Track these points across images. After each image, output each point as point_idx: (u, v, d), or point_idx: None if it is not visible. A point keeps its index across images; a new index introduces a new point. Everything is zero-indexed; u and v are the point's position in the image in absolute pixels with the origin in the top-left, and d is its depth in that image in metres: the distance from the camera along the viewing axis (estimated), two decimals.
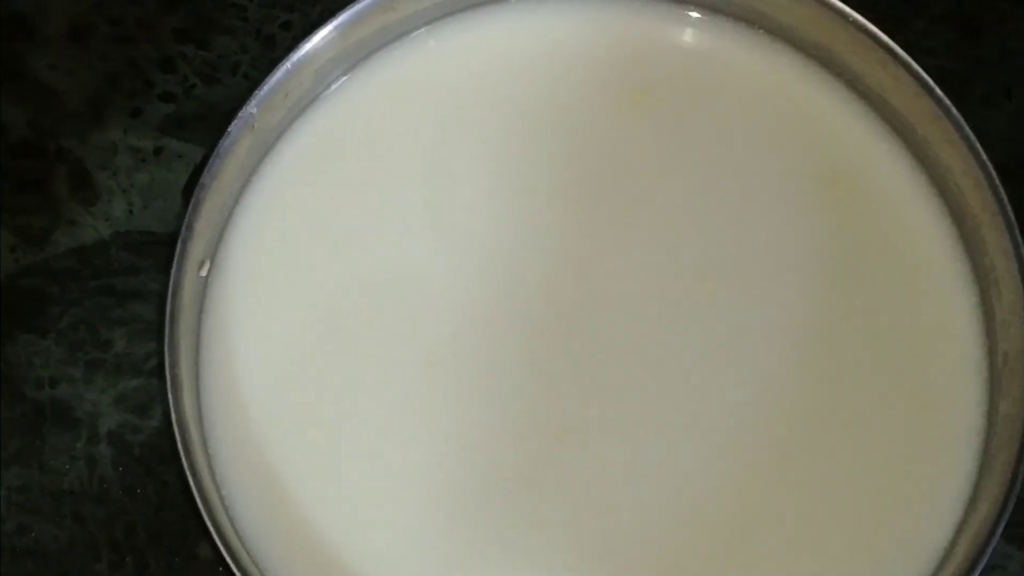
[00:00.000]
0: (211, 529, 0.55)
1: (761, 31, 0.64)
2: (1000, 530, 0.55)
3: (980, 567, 0.55)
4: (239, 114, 0.58)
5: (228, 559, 0.54)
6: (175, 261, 0.57)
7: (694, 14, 0.64)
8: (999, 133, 0.66)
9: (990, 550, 0.55)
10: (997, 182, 0.58)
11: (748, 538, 0.61)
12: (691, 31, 0.65)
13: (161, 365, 0.59)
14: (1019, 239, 0.57)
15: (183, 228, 0.57)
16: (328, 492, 0.60)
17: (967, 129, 0.58)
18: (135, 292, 0.66)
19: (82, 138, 0.67)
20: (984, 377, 0.61)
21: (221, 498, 0.58)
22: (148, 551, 0.64)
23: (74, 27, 0.68)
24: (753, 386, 0.62)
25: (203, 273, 0.60)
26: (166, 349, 0.57)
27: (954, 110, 0.58)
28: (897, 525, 0.60)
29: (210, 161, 0.58)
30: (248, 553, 0.57)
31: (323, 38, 0.59)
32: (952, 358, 0.61)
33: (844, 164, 0.63)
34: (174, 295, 0.57)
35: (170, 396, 0.56)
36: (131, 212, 0.67)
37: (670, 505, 0.61)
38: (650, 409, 0.62)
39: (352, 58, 0.63)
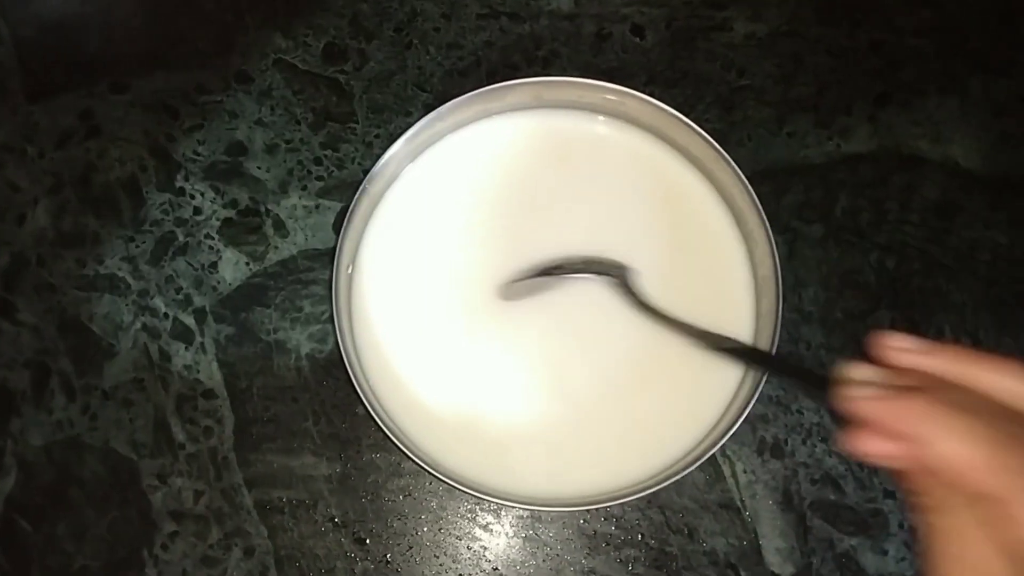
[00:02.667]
0: (362, 397, 0.56)
1: (625, 122, 0.63)
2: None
3: (761, 383, 0.56)
4: (360, 187, 0.58)
5: (371, 412, 0.55)
6: (334, 265, 0.57)
7: (600, 117, 0.63)
8: (746, 159, 0.66)
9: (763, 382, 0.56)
10: (748, 185, 0.58)
11: (636, 378, 0.60)
12: (585, 124, 0.63)
13: (331, 318, 0.59)
14: (764, 216, 0.57)
15: (336, 249, 0.57)
16: (409, 374, 0.60)
17: (728, 157, 0.58)
18: (312, 281, 0.66)
19: (277, 203, 0.67)
20: (752, 290, 0.61)
21: (366, 382, 0.59)
22: (332, 413, 0.64)
23: (267, 145, 0.67)
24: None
25: (349, 271, 0.60)
26: (333, 310, 0.57)
27: (723, 151, 0.58)
28: (714, 372, 0.60)
29: (348, 213, 0.58)
30: (381, 409, 0.58)
31: (398, 147, 0.58)
32: (735, 281, 0.61)
33: (672, 187, 0.62)
34: (336, 285, 0.57)
35: (337, 333, 0.57)
36: (306, 239, 0.66)
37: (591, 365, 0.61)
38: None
39: (412, 154, 0.62)
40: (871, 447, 0.37)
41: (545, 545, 0.63)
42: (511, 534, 0.64)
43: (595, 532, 0.63)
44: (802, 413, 0.64)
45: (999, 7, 0.70)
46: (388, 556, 0.63)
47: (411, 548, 0.63)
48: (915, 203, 0.67)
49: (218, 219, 0.67)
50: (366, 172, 0.59)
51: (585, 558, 0.63)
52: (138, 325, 0.66)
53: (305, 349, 0.65)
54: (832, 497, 0.64)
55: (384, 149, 0.59)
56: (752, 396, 0.56)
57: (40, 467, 0.64)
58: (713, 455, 0.62)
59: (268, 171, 0.68)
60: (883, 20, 0.70)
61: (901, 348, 0.40)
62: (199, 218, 0.67)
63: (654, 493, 0.61)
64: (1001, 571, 0.35)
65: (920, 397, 0.37)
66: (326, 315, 0.65)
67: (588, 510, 0.63)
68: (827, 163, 0.68)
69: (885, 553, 0.63)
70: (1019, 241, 0.67)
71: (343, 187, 0.67)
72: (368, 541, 0.63)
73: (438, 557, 0.63)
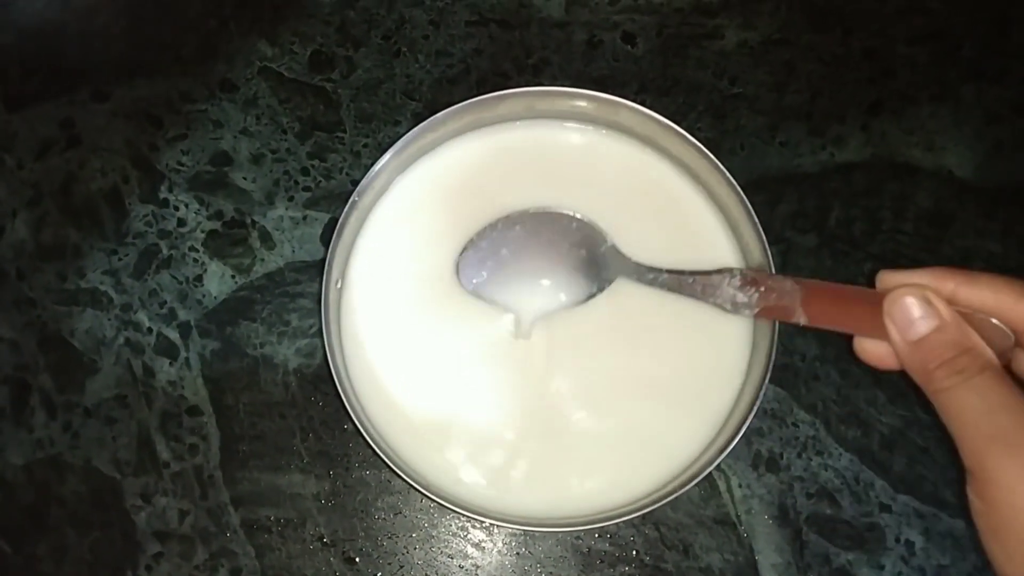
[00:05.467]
0: (351, 414, 0.53)
1: (618, 131, 0.60)
2: (767, 376, 0.53)
3: (759, 398, 0.53)
4: (350, 200, 0.55)
5: (360, 428, 0.53)
6: (323, 281, 0.55)
7: (593, 127, 0.60)
8: (739, 169, 0.63)
9: (764, 386, 0.53)
10: (743, 195, 0.55)
11: (632, 393, 0.57)
12: (576, 135, 0.61)
13: (319, 332, 0.58)
14: (759, 227, 0.55)
15: (325, 262, 0.55)
16: (399, 390, 0.57)
17: (722, 167, 0.56)
18: (300, 294, 0.63)
19: (263, 214, 0.64)
20: None
21: (356, 398, 0.56)
22: (320, 429, 0.62)
23: (253, 155, 0.65)
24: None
25: (338, 286, 0.57)
26: (322, 324, 0.54)
27: (717, 161, 0.56)
28: (716, 375, 0.57)
29: (338, 225, 0.55)
30: (370, 426, 0.55)
31: (387, 158, 0.55)
32: None
33: (666, 198, 0.59)
34: (325, 298, 0.55)
35: (326, 347, 0.54)
36: (293, 251, 0.64)
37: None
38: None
39: (402, 165, 0.59)
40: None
41: (538, 563, 0.61)
42: (503, 552, 0.61)
43: (589, 549, 0.61)
44: (797, 426, 0.62)
45: (992, 15, 0.68)
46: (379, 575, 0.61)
47: (402, 567, 0.61)
48: (909, 212, 0.65)
49: (203, 231, 0.65)
50: (354, 183, 0.57)
51: (579, 575, 0.61)
52: (121, 340, 0.63)
53: (293, 364, 0.63)
54: (828, 511, 0.62)
55: (373, 159, 0.56)
56: (750, 411, 0.53)
57: (20, 487, 0.61)
58: None
59: (254, 181, 0.65)
60: (876, 28, 0.68)
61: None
62: (183, 230, 0.64)
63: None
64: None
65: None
66: (314, 329, 0.63)
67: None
68: (821, 172, 0.66)
69: (881, 568, 0.61)
70: (1012, 250, 0.65)
71: (331, 198, 0.65)
72: (358, 560, 0.61)
73: None
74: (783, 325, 0.56)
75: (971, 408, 0.38)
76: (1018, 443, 0.36)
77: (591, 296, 0.57)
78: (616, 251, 0.57)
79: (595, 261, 0.58)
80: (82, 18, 0.67)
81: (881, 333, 0.43)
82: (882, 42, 0.68)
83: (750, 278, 0.52)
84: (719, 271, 0.54)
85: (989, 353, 0.39)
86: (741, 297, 0.52)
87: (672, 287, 0.55)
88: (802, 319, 0.49)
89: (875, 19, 0.68)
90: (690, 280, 0.55)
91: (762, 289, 0.51)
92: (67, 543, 0.61)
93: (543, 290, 0.58)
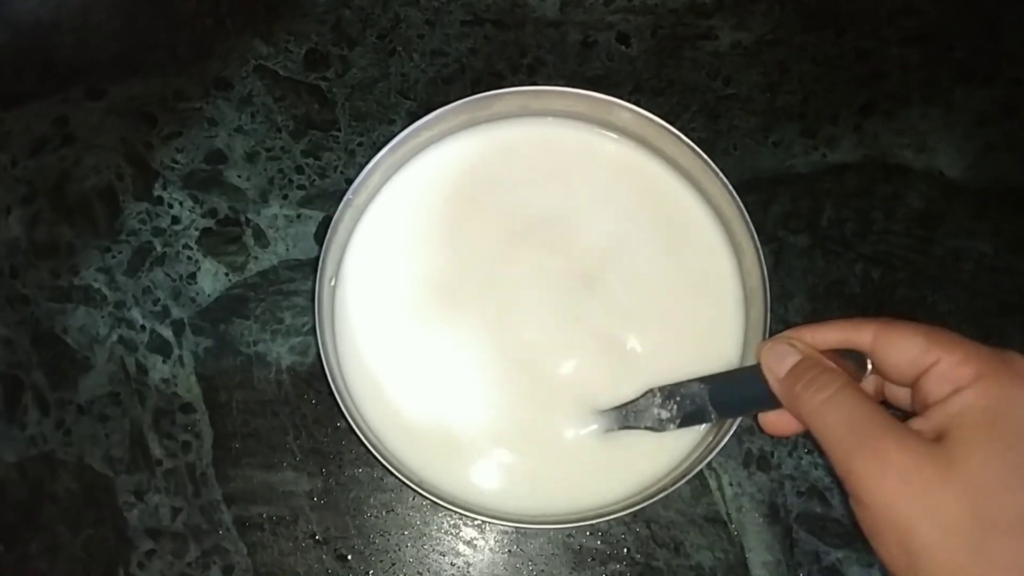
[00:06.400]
0: (344, 411, 0.53)
1: (611, 131, 0.60)
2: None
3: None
4: (344, 198, 0.54)
5: (353, 426, 0.53)
6: (317, 278, 0.54)
7: (587, 126, 0.60)
8: (732, 169, 0.63)
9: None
10: (735, 195, 0.55)
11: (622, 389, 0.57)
12: (570, 134, 0.60)
13: (313, 329, 0.57)
14: (751, 226, 0.55)
15: (319, 260, 0.54)
16: (392, 388, 0.56)
17: (715, 167, 0.55)
18: (294, 292, 0.63)
19: (257, 212, 0.64)
20: (740, 299, 0.57)
21: (349, 396, 0.55)
22: (313, 427, 0.61)
23: (248, 154, 0.65)
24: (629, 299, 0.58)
25: (332, 284, 0.57)
26: (315, 322, 0.54)
27: (710, 161, 0.55)
28: (721, 352, 0.56)
29: (332, 223, 0.54)
30: (363, 423, 0.55)
31: (381, 156, 0.55)
32: (724, 291, 0.58)
33: (659, 198, 0.59)
34: (319, 296, 0.54)
35: (319, 345, 0.54)
36: (287, 250, 0.64)
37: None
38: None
39: (397, 164, 0.58)
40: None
41: (530, 560, 0.61)
42: (495, 549, 0.61)
43: (580, 547, 0.61)
44: None
45: (983, 17, 0.68)
46: (371, 573, 0.60)
47: (394, 565, 0.61)
48: (900, 213, 0.65)
49: (197, 229, 0.64)
50: (349, 181, 0.57)
51: (570, 573, 0.61)
52: (114, 338, 0.63)
53: (286, 362, 0.62)
54: (818, 510, 0.61)
55: (367, 158, 0.56)
56: None
57: (13, 484, 0.61)
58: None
59: (248, 180, 0.65)
60: (868, 29, 0.68)
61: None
62: (177, 228, 0.64)
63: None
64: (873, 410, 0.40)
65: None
66: (307, 327, 0.63)
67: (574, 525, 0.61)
68: (813, 173, 0.66)
69: (871, 566, 0.61)
70: (1003, 251, 0.65)
71: (325, 196, 0.65)
72: (350, 558, 0.61)
73: (421, 574, 0.60)
74: (774, 315, 0.56)
75: (833, 421, 0.41)
76: (876, 446, 0.38)
77: None
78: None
79: None
80: (77, 16, 0.67)
81: (773, 401, 0.47)
82: (874, 43, 0.68)
83: (667, 391, 0.53)
84: (643, 395, 0.54)
85: (845, 374, 0.43)
86: (664, 414, 0.53)
87: (611, 424, 0.56)
88: (712, 416, 0.52)
89: (868, 20, 0.68)
90: (623, 413, 0.55)
91: (678, 399, 0.53)
92: (60, 540, 0.60)
93: None
